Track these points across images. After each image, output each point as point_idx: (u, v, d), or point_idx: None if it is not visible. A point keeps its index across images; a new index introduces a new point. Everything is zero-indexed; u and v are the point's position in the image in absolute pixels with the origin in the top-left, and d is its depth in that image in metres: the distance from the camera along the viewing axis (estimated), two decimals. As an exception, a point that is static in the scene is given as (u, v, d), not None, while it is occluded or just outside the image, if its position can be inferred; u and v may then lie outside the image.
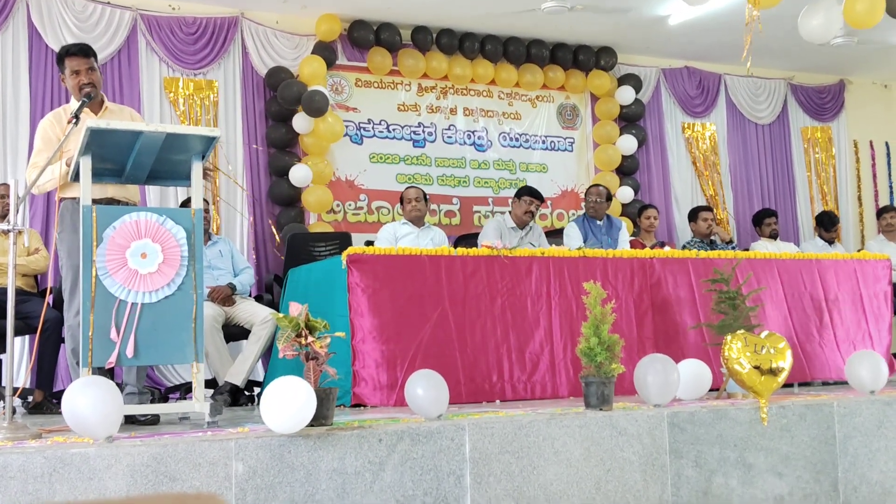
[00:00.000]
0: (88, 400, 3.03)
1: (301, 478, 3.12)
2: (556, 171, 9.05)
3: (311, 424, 3.32)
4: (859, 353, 4.72)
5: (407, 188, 7.01)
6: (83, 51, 4.46)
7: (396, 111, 8.44)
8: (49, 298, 4.95)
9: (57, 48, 6.78)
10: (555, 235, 7.48)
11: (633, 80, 9.19)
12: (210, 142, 3.90)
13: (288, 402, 3.11)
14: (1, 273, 5.62)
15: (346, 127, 8.11)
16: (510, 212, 7.00)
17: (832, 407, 4.17)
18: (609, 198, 7.58)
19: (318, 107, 7.53)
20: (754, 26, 5.73)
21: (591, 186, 7.62)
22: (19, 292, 5.42)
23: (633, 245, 7.45)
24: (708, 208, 8.20)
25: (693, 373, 4.39)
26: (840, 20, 6.10)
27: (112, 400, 3.08)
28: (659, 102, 9.51)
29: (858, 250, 9.02)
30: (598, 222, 7.32)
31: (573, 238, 7.07)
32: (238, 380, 5.55)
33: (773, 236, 8.36)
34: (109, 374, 3.96)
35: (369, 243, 6.65)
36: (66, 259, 4.32)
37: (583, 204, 9.03)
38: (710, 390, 4.53)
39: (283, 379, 3.19)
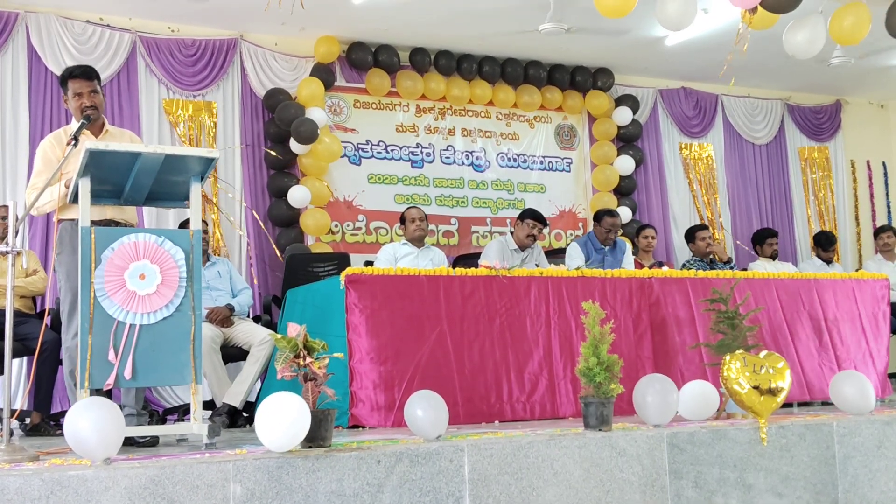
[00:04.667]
0: (90, 421, 3.03)
1: (299, 500, 3.11)
2: (554, 192, 9.08)
3: (310, 446, 3.31)
4: (843, 374, 4.70)
5: (408, 208, 7.02)
6: (86, 73, 4.46)
7: (395, 132, 8.47)
8: (47, 320, 4.95)
9: (56, 70, 6.86)
10: (553, 255, 7.48)
11: (631, 101, 9.22)
12: (209, 163, 3.91)
13: (281, 417, 3.11)
14: (-1, 294, 5.62)
15: (345, 148, 8.14)
16: (512, 233, 7.01)
17: (832, 427, 4.16)
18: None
19: (307, 135, 7.54)
20: (740, 45, 5.77)
21: (606, 215, 7.39)
22: (17, 314, 5.41)
23: (631, 265, 7.45)
24: (704, 227, 8.23)
25: (700, 393, 4.37)
26: (825, 36, 6.13)
27: (114, 421, 3.08)
28: (656, 123, 9.55)
29: (856, 270, 9.03)
30: (603, 245, 7.31)
31: (574, 259, 7.06)
32: (236, 401, 5.54)
33: (774, 256, 8.37)
34: (107, 395, 3.95)
35: (368, 264, 6.66)
36: (64, 281, 4.32)
37: (582, 225, 9.08)
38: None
39: (275, 395, 3.19)
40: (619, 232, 7.60)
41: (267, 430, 3.13)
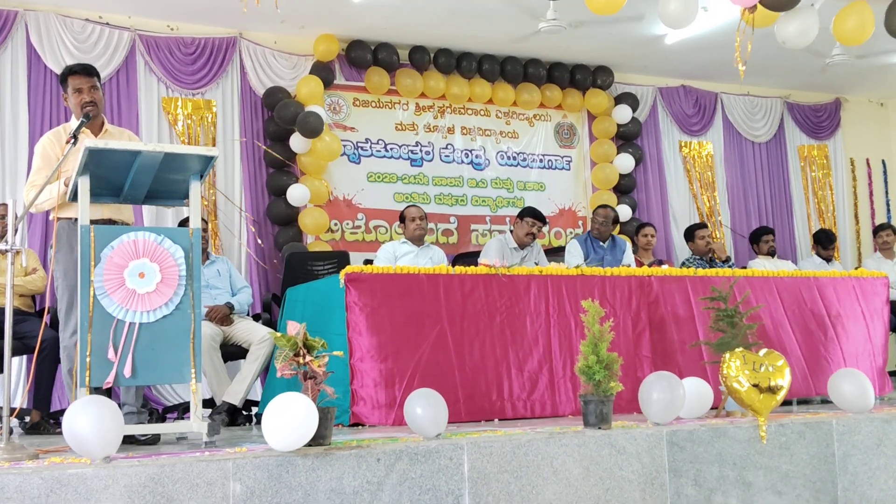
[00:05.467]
0: (89, 420, 3.02)
1: (299, 498, 3.11)
2: (554, 190, 9.07)
3: (310, 444, 3.31)
4: (841, 372, 4.69)
5: (408, 207, 7.01)
6: (86, 70, 4.47)
7: (394, 130, 8.46)
8: (46, 318, 4.95)
9: (56, 68, 6.87)
10: (552, 254, 7.48)
11: (630, 99, 9.22)
12: (208, 161, 3.91)
13: (289, 417, 3.11)
14: (-2, 293, 5.62)
15: (344, 146, 8.13)
16: (511, 231, 7.01)
17: (831, 425, 4.16)
18: (616, 220, 7.57)
19: (312, 128, 7.55)
20: (747, 45, 5.76)
21: (599, 207, 7.54)
22: (16, 312, 5.41)
23: (631, 263, 7.44)
24: (703, 226, 8.23)
25: (694, 391, 4.37)
26: (817, 26, 6.12)
27: (112, 420, 3.07)
28: (656, 121, 9.55)
29: (856, 268, 9.03)
30: (602, 242, 7.32)
31: (574, 256, 7.06)
32: (236, 399, 5.54)
33: (771, 254, 8.38)
34: (107, 394, 3.95)
35: (368, 262, 6.66)
36: (61, 279, 4.32)
37: (582, 223, 9.09)
38: (710, 408, 4.52)
39: (284, 395, 3.18)
40: (616, 229, 7.60)
41: (273, 430, 3.12)
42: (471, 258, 6.98)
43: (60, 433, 4.85)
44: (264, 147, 7.77)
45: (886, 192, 10.64)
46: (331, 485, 3.16)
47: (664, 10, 5.95)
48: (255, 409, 6.03)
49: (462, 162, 8.72)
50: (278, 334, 3.48)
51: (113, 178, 3.91)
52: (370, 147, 8.33)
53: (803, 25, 6.08)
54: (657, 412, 4.00)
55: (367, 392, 4.86)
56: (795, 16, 6.10)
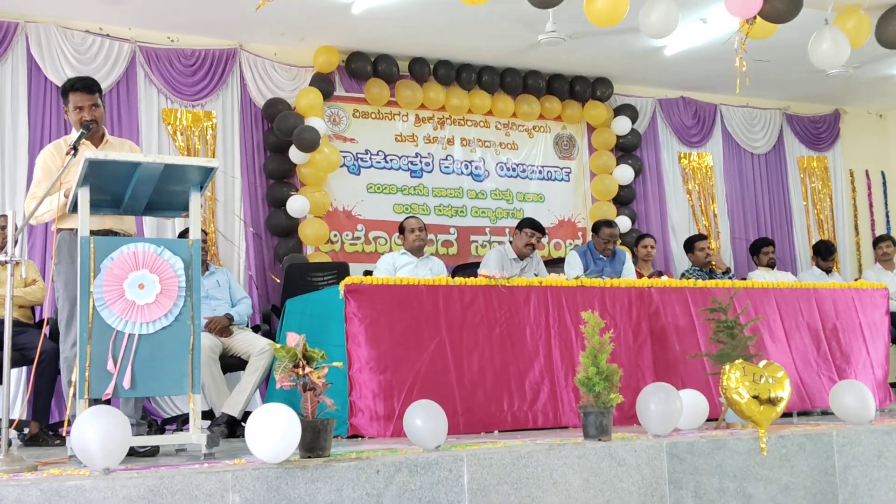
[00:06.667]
0: (96, 429, 3.02)
1: (298, 510, 3.10)
2: (553, 201, 9.08)
3: (309, 455, 3.30)
4: (843, 384, 4.69)
5: (407, 218, 7.02)
6: (88, 87, 4.46)
7: (394, 142, 8.47)
8: (46, 330, 4.95)
9: (56, 80, 6.88)
10: (552, 265, 7.48)
11: (630, 111, 9.23)
12: (208, 173, 3.91)
13: (271, 430, 3.10)
14: (-2, 304, 5.61)
15: (344, 157, 8.14)
16: (511, 242, 7.01)
17: (832, 437, 4.15)
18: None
19: (308, 143, 7.55)
20: (742, 54, 5.77)
21: (604, 226, 7.36)
22: (16, 324, 5.40)
23: (631, 275, 7.43)
24: (703, 237, 8.23)
25: (689, 402, 4.37)
26: (847, 45, 6.09)
27: (119, 431, 3.07)
28: (655, 132, 9.56)
29: (856, 279, 9.03)
30: (602, 255, 7.30)
31: (573, 268, 7.05)
32: (235, 411, 5.53)
33: (771, 265, 8.37)
34: (106, 405, 3.94)
35: (368, 273, 6.66)
36: (62, 290, 4.31)
37: (581, 234, 9.09)
38: (709, 420, 4.51)
39: (265, 407, 3.18)
40: (618, 242, 7.60)
41: (257, 443, 3.11)
42: (470, 269, 6.98)
43: (59, 444, 4.85)
44: (267, 183, 7.79)
45: (886, 204, 10.64)
46: (330, 496, 3.15)
47: (646, 21, 5.94)
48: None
49: (462, 173, 8.73)
50: (278, 345, 3.48)
51: (113, 190, 3.92)
52: (370, 158, 8.34)
53: (834, 44, 6.02)
54: (655, 423, 3.99)
55: (366, 403, 4.85)
56: (824, 37, 6.04)
